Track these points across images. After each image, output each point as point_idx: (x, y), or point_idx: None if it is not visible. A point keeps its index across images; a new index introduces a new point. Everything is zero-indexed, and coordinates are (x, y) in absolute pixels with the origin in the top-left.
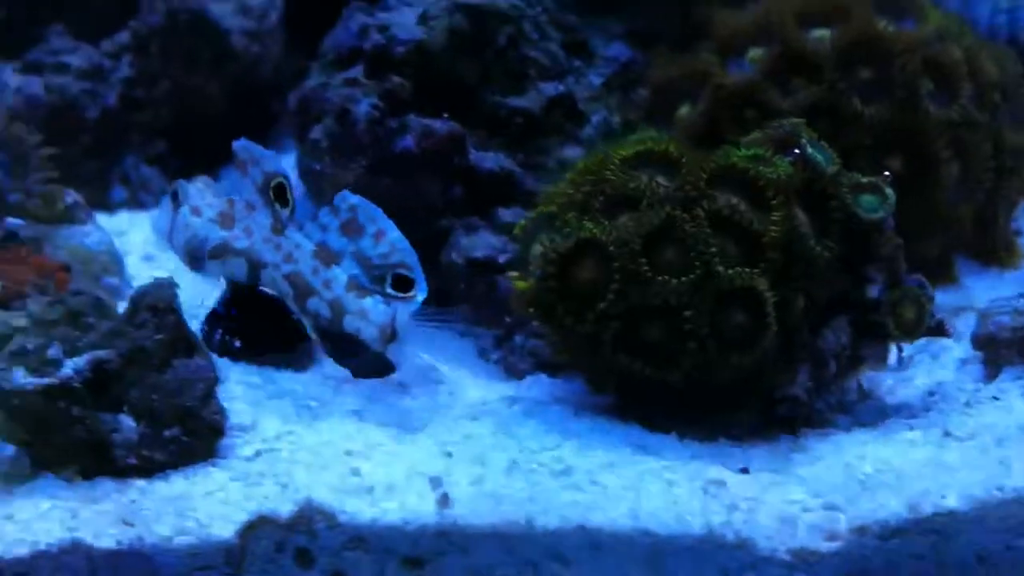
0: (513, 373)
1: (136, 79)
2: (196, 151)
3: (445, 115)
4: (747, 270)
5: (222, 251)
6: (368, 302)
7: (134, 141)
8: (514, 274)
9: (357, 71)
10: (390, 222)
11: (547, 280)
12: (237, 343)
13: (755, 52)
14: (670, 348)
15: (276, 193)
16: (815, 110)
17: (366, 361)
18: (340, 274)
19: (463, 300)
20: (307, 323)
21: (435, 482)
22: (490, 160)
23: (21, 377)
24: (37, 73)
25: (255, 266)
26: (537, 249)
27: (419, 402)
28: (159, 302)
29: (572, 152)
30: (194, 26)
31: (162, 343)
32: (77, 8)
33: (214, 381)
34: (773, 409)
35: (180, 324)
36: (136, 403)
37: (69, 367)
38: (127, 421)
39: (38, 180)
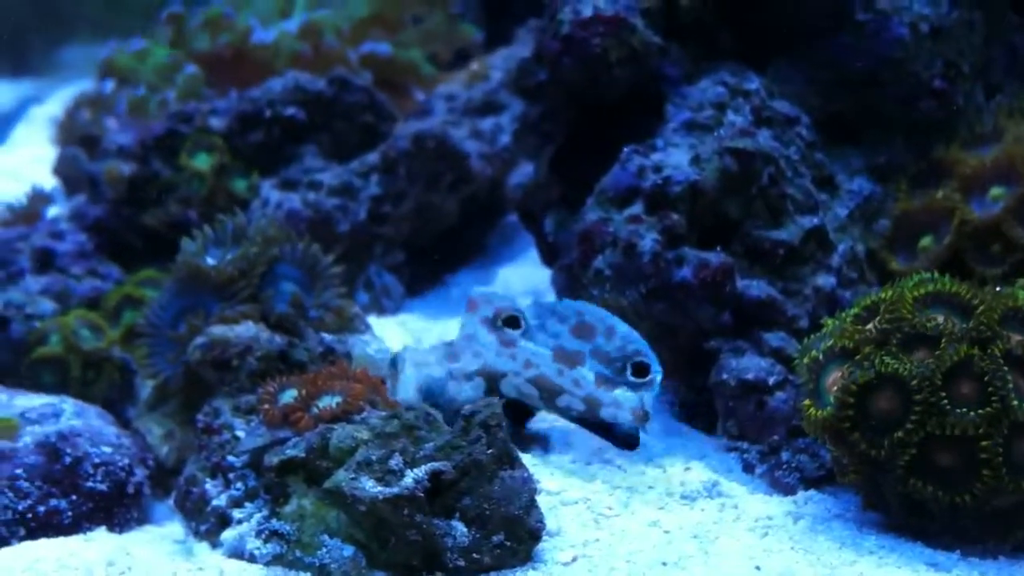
0: (778, 487)
1: (383, 196)
2: (429, 259)
3: (718, 248)
4: None
5: (458, 379)
6: (619, 393)
7: (377, 251)
8: (807, 402)
9: (637, 208)
10: (615, 318)
11: (845, 408)
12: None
13: (997, 190)
14: (963, 474)
15: (507, 322)
16: None
17: (617, 438)
18: (587, 373)
19: (729, 416)
20: (557, 415)
21: None
22: (756, 288)
23: (370, 486)
24: (293, 190)
25: (493, 379)
26: (830, 379)
27: (709, 514)
28: (490, 419)
29: (824, 280)
30: (439, 151)
31: (493, 456)
32: (324, 132)
33: (535, 491)
34: None
35: (507, 439)
36: (468, 511)
37: (410, 477)
38: (459, 527)
39: (333, 295)
